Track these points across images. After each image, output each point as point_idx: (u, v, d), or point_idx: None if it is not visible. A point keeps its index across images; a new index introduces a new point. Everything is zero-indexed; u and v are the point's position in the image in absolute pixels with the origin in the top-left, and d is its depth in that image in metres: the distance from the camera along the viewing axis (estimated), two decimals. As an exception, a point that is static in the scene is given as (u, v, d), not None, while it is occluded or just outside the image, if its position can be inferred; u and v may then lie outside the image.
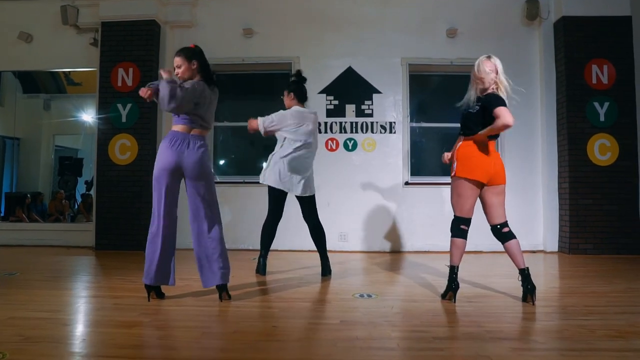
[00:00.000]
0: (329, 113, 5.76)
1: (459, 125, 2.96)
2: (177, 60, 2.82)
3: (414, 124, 5.90)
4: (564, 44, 5.45)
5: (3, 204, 7.45)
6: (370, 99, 5.76)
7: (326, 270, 3.81)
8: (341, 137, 5.75)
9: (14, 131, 8.14)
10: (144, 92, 2.64)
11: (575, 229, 5.27)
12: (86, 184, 8.05)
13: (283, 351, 2.00)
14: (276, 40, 5.84)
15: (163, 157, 2.72)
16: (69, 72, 7.48)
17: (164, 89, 2.57)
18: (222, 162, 6.39)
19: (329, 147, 5.73)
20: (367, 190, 5.67)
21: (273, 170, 3.66)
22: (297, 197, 3.76)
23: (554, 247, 5.54)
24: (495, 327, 2.33)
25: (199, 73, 2.83)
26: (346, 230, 5.60)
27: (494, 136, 2.85)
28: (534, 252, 5.51)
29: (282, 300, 2.95)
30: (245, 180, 5.79)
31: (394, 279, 3.85)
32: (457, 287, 2.83)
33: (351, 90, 5.77)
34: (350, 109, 5.76)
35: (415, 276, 3.92)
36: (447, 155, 3.06)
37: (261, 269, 3.79)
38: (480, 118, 2.78)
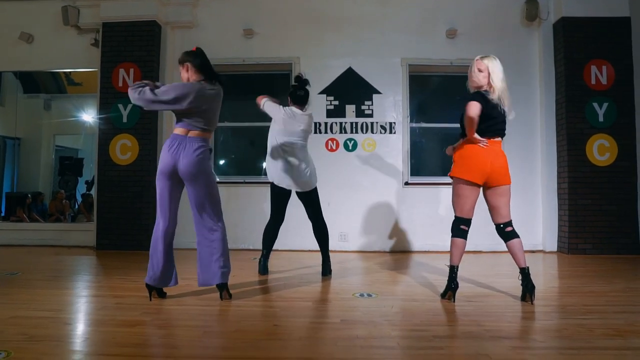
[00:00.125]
0: (329, 113, 5.77)
1: (459, 125, 2.99)
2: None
3: (414, 125, 5.92)
4: (563, 45, 5.47)
5: (4, 204, 7.46)
6: (370, 99, 5.78)
7: (326, 270, 3.83)
8: (341, 138, 5.77)
9: (15, 131, 8.15)
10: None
11: (574, 229, 5.29)
12: (86, 183, 8.06)
13: (284, 350, 2.01)
14: (276, 40, 5.86)
15: (161, 161, 2.77)
16: (70, 72, 7.49)
17: (130, 92, 2.74)
18: (222, 162, 6.41)
19: (329, 148, 5.75)
20: (367, 190, 5.69)
21: (267, 166, 3.80)
22: (297, 194, 3.80)
23: (553, 247, 5.57)
24: (495, 326, 2.34)
25: (196, 74, 2.84)
26: (346, 230, 5.62)
27: (494, 135, 2.84)
28: (533, 252, 5.53)
29: (283, 300, 2.97)
30: (246, 181, 5.82)
31: (394, 279, 3.87)
32: (457, 286, 2.85)
33: (351, 91, 5.79)
34: (350, 109, 5.78)
35: (415, 276, 3.94)
36: (450, 149, 3.08)
37: (262, 269, 3.81)
38: None
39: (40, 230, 6.27)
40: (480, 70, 2.84)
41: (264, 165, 3.87)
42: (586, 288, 3.40)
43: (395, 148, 5.73)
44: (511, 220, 2.89)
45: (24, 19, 6.00)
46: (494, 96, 2.79)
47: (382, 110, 5.77)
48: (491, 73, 2.81)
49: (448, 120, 5.79)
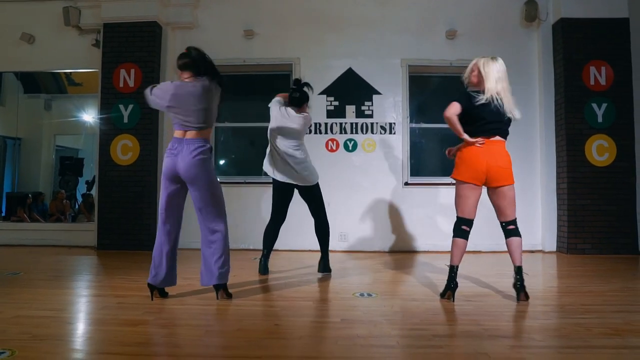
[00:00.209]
0: (329, 114, 5.80)
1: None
2: None
3: (414, 125, 5.94)
4: (562, 46, 5.49)
5: (4, 204, 7.48)
6: (370, 100, 5.80)
7: (325, 268, 3.87)
8: (341, 138, 5.79)
9: (16, 131, 8.17)
10: None
11: (573, 229, 5.31)
12: (87, 183, 8.09)
13: (285, 348, 2.03)
14: (277, 41, 5.88)
15: (164, 164, 2.82)
16: (70, 72, 7.51)
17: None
18: (222, 162, 6.43)
19: (329, 148, 5.77)
20: (367, 191, 5.71)
21: (265, 162, 3.89)
22: (299, 192, 3.84)
23: (553, 247, 5.59)
24: (494, 325, 2.37)
25: (183, 74, 2.86)
26: (346, 230, 5.64)
27: (490, 134, 2.84)
28: (532, 252, 5.55)
29: (284, 299, 2.99)
30: (246, 181, 5.84)
31: (394, 279, 3.89)
32: (456, 286, 2.87)
33: (351, 91, 5.81)
34: (350, 109, 5.81)
35: (414, 276, 3.97)
36: (449, 151, 3.13)
37: (262, 269, 3.83)
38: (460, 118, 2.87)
39: (41, 230, 6.29)
40: (472, 70, 2.91)
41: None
42: (585, 288, 3.42)
43: (395, 148, 5.76)
44: (515, 220, 2.91)
45: (25, 19, 6.02)
46: (485, 96, 2.80)
47: (382, 111, 5.79)
48: (483, 73, 2.83)
49: (447, 120, 5.80)
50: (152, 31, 5.71)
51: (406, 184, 5.72)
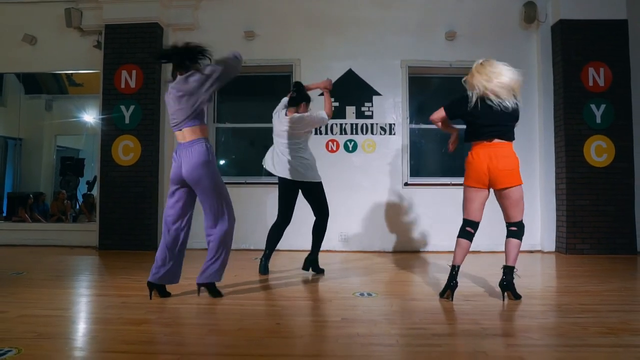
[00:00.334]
0: (330, 115, 5.83)
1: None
2: None
3: (414, 126, 5.97)
4: (561, 47, 5.52)
5: (6, 204, 7.50)
6: (370, 100, 5.83)
7: (315, 268, 3.92)
8: (341, 139, 5.82)
9: (17, 132, 8.20)
10: None
11: (572, 229, 5.34)
12: (88, 184, 8.11)
13: (287, 347, 2.07)
14: (277, 42, 5.91)
15: (171, 169, 2.87)
16: (71, 73, 7.53)
17: None
18: (223, 162, 6.46)
19: (330, 149, 5.81)
20: (367, 191, 5.74)
21: (265, 157, 4.06)
22: (302, 192, 3.89)
23: (551, 247, 5.62)
24: (492, 324, 2.40)
25: (175, 73, 2.92)
26: (346, 230, 5.67)
27: (489, 137, 2.87)
28: (531, 252, 5.58)
29: (285, 299, 3.02)
30: (247, 181, 5.87)
31: (394, 278, 3.92)
32: (456, 285, 2.90)
33: (351, 92, 5.84)
34: (350, 110, 5.84)
35: (414, 275, 4.00)
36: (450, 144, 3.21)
37: (262, 269, 3.86)
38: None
39: (42, 231, 6.32)
40: (470, 73, 2.94)
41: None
42: (582, 287, 3.46)
43: (394, 149, 5.79)
44: (518, 222, 2.96)
45: (27, 20, 6.05)
46: (474, 98, 2.85)
47: (382, 112, 5.82)
48: (475, 75, 2.86)
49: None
50: (154, 32, 5.74)
51: (406, 184, 5.76)
